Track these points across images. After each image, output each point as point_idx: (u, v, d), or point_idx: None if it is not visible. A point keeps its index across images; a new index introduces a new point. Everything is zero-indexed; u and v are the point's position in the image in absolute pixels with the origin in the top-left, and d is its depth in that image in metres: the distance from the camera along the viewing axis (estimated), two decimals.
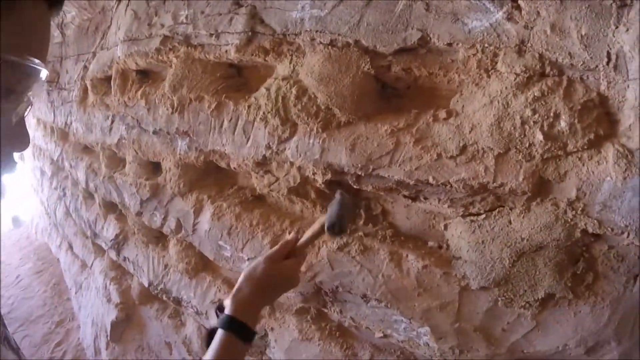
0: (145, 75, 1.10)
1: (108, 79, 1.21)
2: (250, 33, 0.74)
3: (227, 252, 0.86)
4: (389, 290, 0.66)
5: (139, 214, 1.11)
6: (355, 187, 0.66)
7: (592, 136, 0.46)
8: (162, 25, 0.96)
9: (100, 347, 1.51)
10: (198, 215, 0.92)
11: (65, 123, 1.56)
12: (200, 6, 0.86)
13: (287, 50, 0.70)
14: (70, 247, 1.83)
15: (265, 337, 0.91)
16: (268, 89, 0.71)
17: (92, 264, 1.57)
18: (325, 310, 0.82)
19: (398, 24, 0.58)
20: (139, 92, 1.03)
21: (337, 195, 0.63)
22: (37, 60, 0.26)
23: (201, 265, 1.03)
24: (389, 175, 0.61)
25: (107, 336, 1.49)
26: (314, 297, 0.76)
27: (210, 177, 0.94)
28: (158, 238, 1.18)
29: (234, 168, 0.80)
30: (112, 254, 1.35)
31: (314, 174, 0.67)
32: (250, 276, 0.63)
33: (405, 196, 0.66)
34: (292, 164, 0.69)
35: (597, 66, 0.45)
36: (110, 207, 1.36)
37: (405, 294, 0.65)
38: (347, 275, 0.69)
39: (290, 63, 0.69)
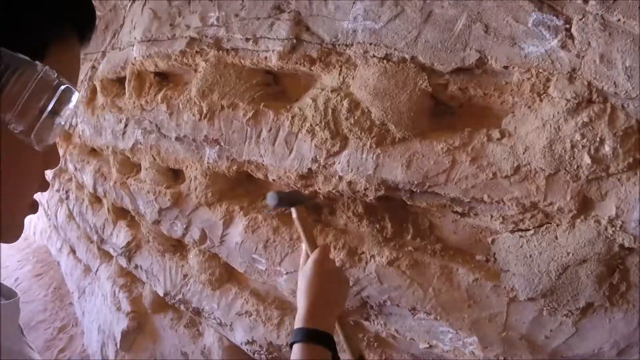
0: (165, 78, 1.06)
1: (120, 80, 1.17)
2: (295, 40, 0.72)
3: (262, 265, 0.85)
4: (439, 303, 0.68)
5: (157, 222, 1.08)
6: (408, 203, 0.67)
7: (631, 160, 0.51)
8: (188, 27, 0.93)
9: (107, 355, 1.48)
10: (228, 226, 0.90)
11: (70, 124, 1.50)
12: (233, 8, 0.84)
13: (335, 61, 0.69)
14: (73, 250, 1.77)
15: None
16: (314, 100, 0.70)
17: (97, 270, 1.52)
18: (365, 323, 0.83)
19: (457, 43, 0.59)
20: (159, 96, 1.00)
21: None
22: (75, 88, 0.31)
23: (226, 276, 1.01)
24: (444, 193, 0.62)
25: (116, 344, 1.45)
26: (358, 310, 0.77)
27: (240, 187, 0.93)
28: (175, 247, 1.15)
29: (273, 180, 0.79)
30: (122, 261, 1.31)
31: (365, 189, 0.67)
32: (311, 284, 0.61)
33: (454, 212, 0.68)
34: (340, 178, 0.69)
35: (637, 95, 0.49)
36: (121, 213, 1.32)
37: (455, 306, 0.68)
38: (396, 290, 0.70)
39: (339, 75, 0.69)
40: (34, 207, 0.32)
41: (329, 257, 0.65)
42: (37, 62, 0.28)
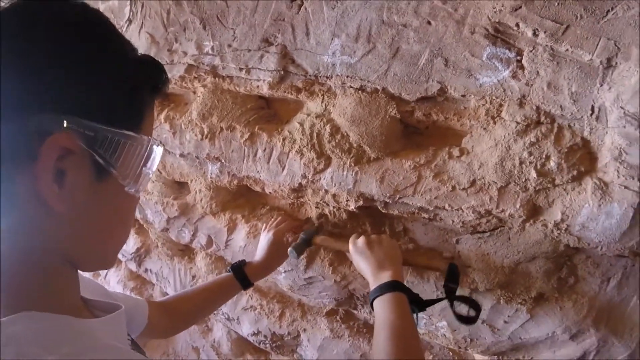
0: (166, 98, 1.20)
1: None
2: (282, 72, 0.86)
3: None
4: None
5: (165, 230, 1.24)
6: (383, 211, 0.83)
7: (575, 172, 0.62)
8: (185, 53, 1.06)
9: None
10: (231, 232, 1.07)
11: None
12: (226, 39, 0.97)
13: (318, 90, 0.84)
14: None
15: (297, 337, 1.08)
16: (302, 124, 0.85)
17: (106, 274, 1.69)
18: (354, 311, 1.00)
19: (421, 75, 0.70)
20: (162, 115, 1.14)
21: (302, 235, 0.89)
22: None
23: None
24: (412, 203, 0.77)
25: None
26: (346, 301, 0.94)
27: (242, 198, 1.08)
28: (183, 251, 1.32)
29: (269, 192, 0.95)
30: (132, 266, 1.48)
31: (347, 200, 0.83)
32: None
33: (423, 217, 0.84)
34: (326, 191, 0.85)
35: (582, 116, 0.59)
36: None
37: (425, 296, 0.83)
38: None
39: (322, 102, 0.83)
40: (128, 237, 0.44)
41: (362, 236, 0.78)
42: (144, 137, 0.37)
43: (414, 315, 0.69)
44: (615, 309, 0.73)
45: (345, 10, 0.76)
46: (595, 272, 0.73)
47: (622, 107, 0.55)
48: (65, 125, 0.32)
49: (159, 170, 1.20)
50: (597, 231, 0.62)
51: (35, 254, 0.36)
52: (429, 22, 0.68)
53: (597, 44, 0.55)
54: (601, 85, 0.57)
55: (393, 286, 0.66)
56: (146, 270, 1.43)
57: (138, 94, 0.38)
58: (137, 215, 1.36)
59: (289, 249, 0.85)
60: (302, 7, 0.82)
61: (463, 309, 0.75)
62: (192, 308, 0.82)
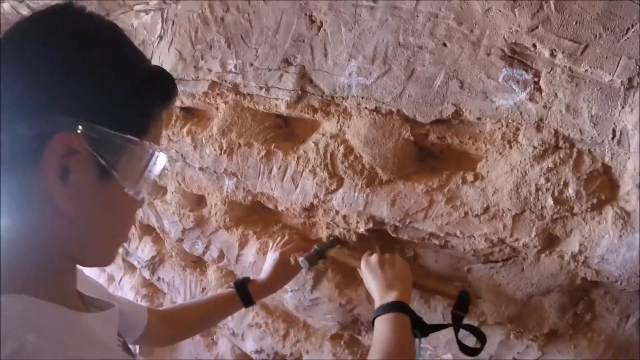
0: (190, 112, 1.26)
1: None
2: (300, 92, 0.89)
3: None
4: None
5: (180, 240, 1.27)
6: (393, 235, 0.81)
7: (595, 201, 0.58)
8: (210, 71, 1.12)
9: None
10: (243, 248, 1.08)
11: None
12: (248, 58, 1.02)
13: (334, 111, 0.85)
14: None
15: (299, 359, 1.06)
16: (316, 144, 0.86)
17: (120, 280, 1.74)
18: (358, 337, 0.97)
19: (436, 98, 0.69)
20: (185, 129, 1.19)
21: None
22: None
23: None
24: (422, 228, 0.75)
25: (135, 350, 1.65)
26: (350, 326, 0.91)
27: (255, 214, 1.10)
28: (196, 263, 1.34)
29: (282, 210, 0.96)
30: (146, 273, 1.52)
31: (357, 222, 0.82)
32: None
33: (434, 244, 0.81)
34: (337, 212, 0.85)
35: (603, 141, 0.56)
36: (146, 230, 1.52)
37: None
38: None
39: (337, 123, 0.85)
40: (127, 237, 0.49)
41: (375, 254, 0.77)
42: (146, 143, 0.39)
43: (417, 340, 0.67)
44: (633, 348, 0.67)
45: (363, 32, 0.78)
46: (614, 308, 0.67)
47: None
48: (71, 126, 0.35)
49: (178, 182, 1.25)
50: (617, 264, 0.58)
51: (37, 246, 0.38)
52: (444, 44, 0.69)
53: (618, 64, 0.53)
54: (622, 108, 0.54)
55: (397, 307, 0.65)
56: (159, 279, 1.46)
57: (145, 102, 0.41)
58: (155, 224, 1.40)
59: (300, 259, 0.84)
60: (322, 29, 0.84)
61: (468, 339, 0.71)
62: (191, 320, 0.83)
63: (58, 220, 0.38)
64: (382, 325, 0.63)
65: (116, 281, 1.78)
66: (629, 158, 0.55)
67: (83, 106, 0.36)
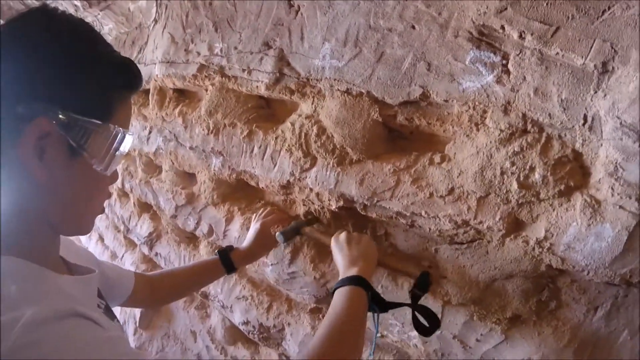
0: (182, 94, 1.31)
1: (145, 92, 1.44)
2: (278, 74, 0.92)
3: None
4: (387, 298, 0.85)
5: (174, 216, 1.34)
6: (362, 213, 0.85)
7: (562, 187, 0.57)
8: (199, 54, 1.16)
9: (128, 333, 1.80)
10: (229, 223, 1.14)
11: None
12: (233, 42, 1.05)
13: (309, 92, 0.88)
14: (101, 238, 2.13)
15: (282, 330, 1.13)
16: (293, 124, 0.90)
17: (122, 256, 1.84)
18: None
19: (404, 80, 0.70)
20: (177, 110, 1.24)
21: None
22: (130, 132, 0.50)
23: None
24: (389, 207, 0.78)
25: (135, 322, 1.77)
26: (324, 299, 0.97)
27: (240, 191, 1.16)
28: (190, 238, 1.42)
29: (262, 187, 1.01)
30: (145, 249, 1.61)
31: (329, 200, 0.87)
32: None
33: (402, 223, 0.85)
34: (311, 189, 0.89)
35: (573, 126, 0.54)
36: (145, 207, 1.61)
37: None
38: None
39: (312, 104, 0.88)
40: (103, 209, 0.54)
41: (345, 232, 0.81)
42: (110, 125, 0.46)
43: (375, 315, 0.71)
44: (601, 342, 0.65)
45: (336, 15, 0.80)
46: (580, 298, 0.66)
47: (618, 117, 0.50)
48: (46, 112, 0.42)
49: (171, 161, 1.31)
50: (584, 253, 0.57)
51: (21, 214, 0.45)
52: (413, 27, 0.69)
53: (591, 47, 0.51)
54: (595, 92, 0.52)
55: (356, 280, 0.68)
56: (156, 254, 1.55)
57: (109, 89, 0.47)
58: (152, 201, 1.48)
59: (276, 233, 0.90)
60: (299, 13, 0.87)
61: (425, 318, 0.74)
62: (176, 285, 0.90)
63: (38, 193, 0.45)
64: (339, 296, 0.66)
65: (118, 257, 1.89)
66: (601, 145, 0.53)
67: (56, 94, 0.43)
